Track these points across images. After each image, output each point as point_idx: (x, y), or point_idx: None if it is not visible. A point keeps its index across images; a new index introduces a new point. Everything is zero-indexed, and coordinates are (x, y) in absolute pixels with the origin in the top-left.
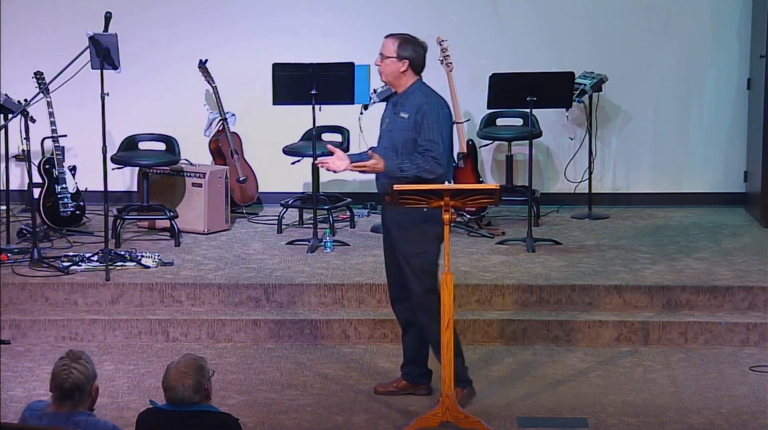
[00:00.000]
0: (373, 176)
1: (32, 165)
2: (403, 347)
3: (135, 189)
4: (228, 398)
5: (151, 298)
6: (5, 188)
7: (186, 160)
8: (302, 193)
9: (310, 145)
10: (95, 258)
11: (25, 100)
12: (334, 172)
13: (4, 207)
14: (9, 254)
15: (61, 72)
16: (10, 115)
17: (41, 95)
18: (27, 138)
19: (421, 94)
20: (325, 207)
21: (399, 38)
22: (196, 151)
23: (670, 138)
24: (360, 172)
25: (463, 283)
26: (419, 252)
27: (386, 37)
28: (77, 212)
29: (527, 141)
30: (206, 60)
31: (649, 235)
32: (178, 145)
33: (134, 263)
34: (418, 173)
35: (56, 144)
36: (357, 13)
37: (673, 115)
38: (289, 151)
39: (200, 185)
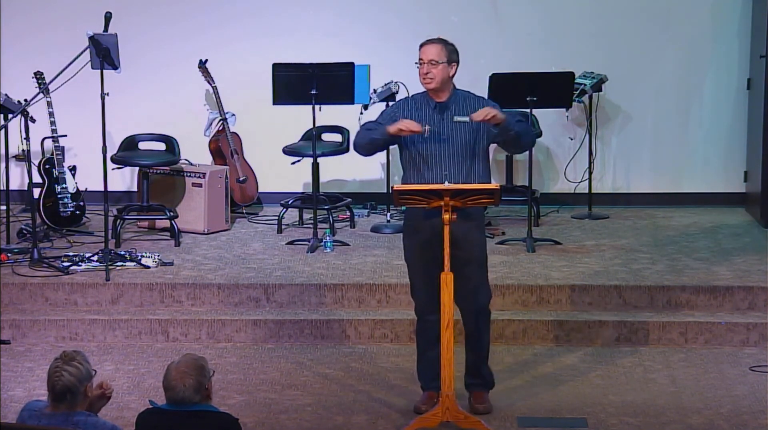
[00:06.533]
0: (373, 177)
1: (32, 165)
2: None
3: (135, 189)
4: (228, 398)
5: (151, 298)
6: (5, 188)
7: (186, 160)
8: (302, 193)
9: (310, 145)
10: (95, 258)
11: (25, 100)
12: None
13: (4, 207)
14: (9, 254)
15: (61, 72)
16: (10, 115)
17: (41, 95)
18: (27, 138)
19: (468, 95)
20: (325, 207)
21: (446, 43)
22: (196, 151)
23: (670, 138)
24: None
25: None
26: (485, 257)
27: (430, 42)
28: (77, 212)
29: None
30: (206, 60)
31: (649, 235)
32: (178, 145)
33: (134, 263)
34: (528, 130)
35: (56, 144)
36: (357, 14)
37: (673, 115)
38: (289, 151)
39: (200, 185)
